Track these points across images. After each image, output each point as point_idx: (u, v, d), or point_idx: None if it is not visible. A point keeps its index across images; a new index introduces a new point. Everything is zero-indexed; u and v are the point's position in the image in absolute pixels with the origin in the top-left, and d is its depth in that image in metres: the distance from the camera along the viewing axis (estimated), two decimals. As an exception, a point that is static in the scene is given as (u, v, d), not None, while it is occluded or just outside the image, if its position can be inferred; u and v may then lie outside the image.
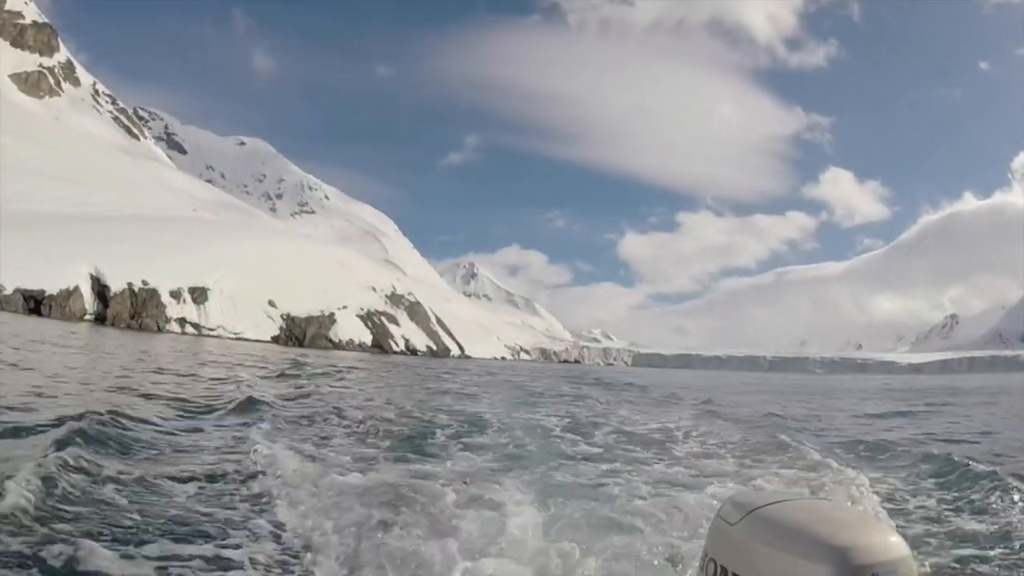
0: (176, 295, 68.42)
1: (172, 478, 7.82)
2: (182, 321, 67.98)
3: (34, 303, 55.94)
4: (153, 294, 65.74)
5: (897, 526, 7.36)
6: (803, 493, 8.57)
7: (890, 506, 8.85)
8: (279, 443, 10.27)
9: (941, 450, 12.92)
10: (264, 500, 7.20)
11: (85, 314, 59.73)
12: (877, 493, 9.44)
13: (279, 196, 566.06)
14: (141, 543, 5.64)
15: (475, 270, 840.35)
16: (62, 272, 59.40)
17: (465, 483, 8.51)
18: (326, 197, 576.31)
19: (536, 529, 6.55)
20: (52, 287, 57.57)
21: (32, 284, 56.23)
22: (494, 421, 15.83)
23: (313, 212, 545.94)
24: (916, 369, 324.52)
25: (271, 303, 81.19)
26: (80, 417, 9.91)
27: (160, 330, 63.97)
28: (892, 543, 1.97)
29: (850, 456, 13.20)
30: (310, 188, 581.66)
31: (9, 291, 54.16)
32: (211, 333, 68.91)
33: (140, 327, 61.84)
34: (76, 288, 59.70)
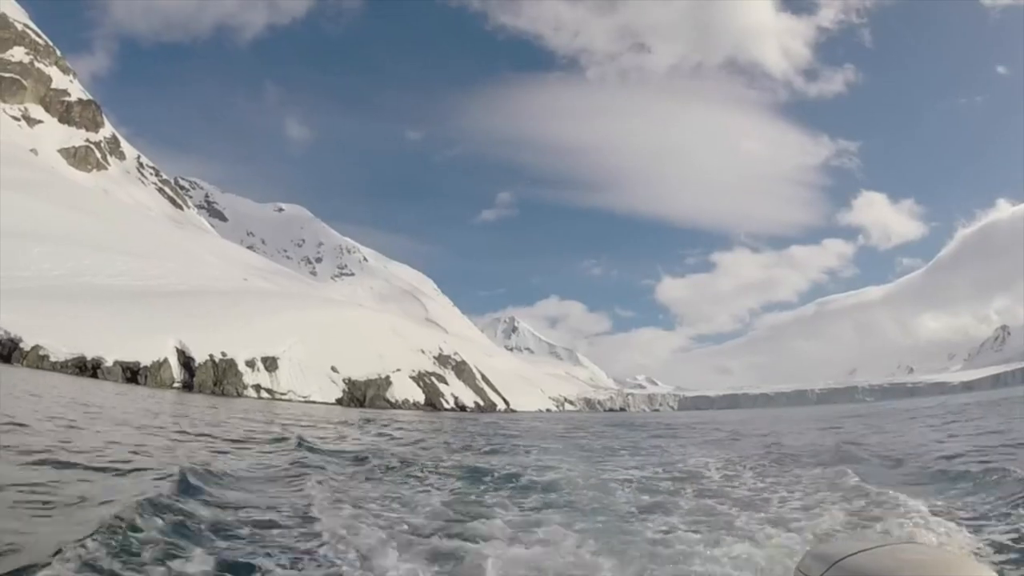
0: (251, 364, 74.68)
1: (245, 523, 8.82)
2: (257, 387, 74.08)
3: (131, 373, 62.00)
4: (231, 364, 72.09)
5: (993, 566, 7.17)
6: (886, 538, 7.98)
7: (979, 542, 8.41)
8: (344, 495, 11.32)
9: (1012, 472, 12.77)
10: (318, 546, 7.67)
11: (174, 382, 65.83)
12: (961, 528, 9.14)
13: (319, 260, 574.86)
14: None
15: (516, 324, 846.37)
16: (151, 345, 65.65)
17: (520, 536, 8.81)
18: (364, 259, 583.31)
19: None
20: (145, 359, 63.84)
21: (127, 356, 62.51)
22: (548, 471, 16.27)
23: (352, 274, 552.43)
24: (968, 387, 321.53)
25: (334, 368, 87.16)
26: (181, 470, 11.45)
27: (239, 395, 69.78)
28: None
29: (923, 488, 12.96)
30: (348, 251, 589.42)
31: (110, 363, 60.63)
32: (283, 397, 74.90)
33: (222, 393, 67.83)
34: (166, 360, 66.05)
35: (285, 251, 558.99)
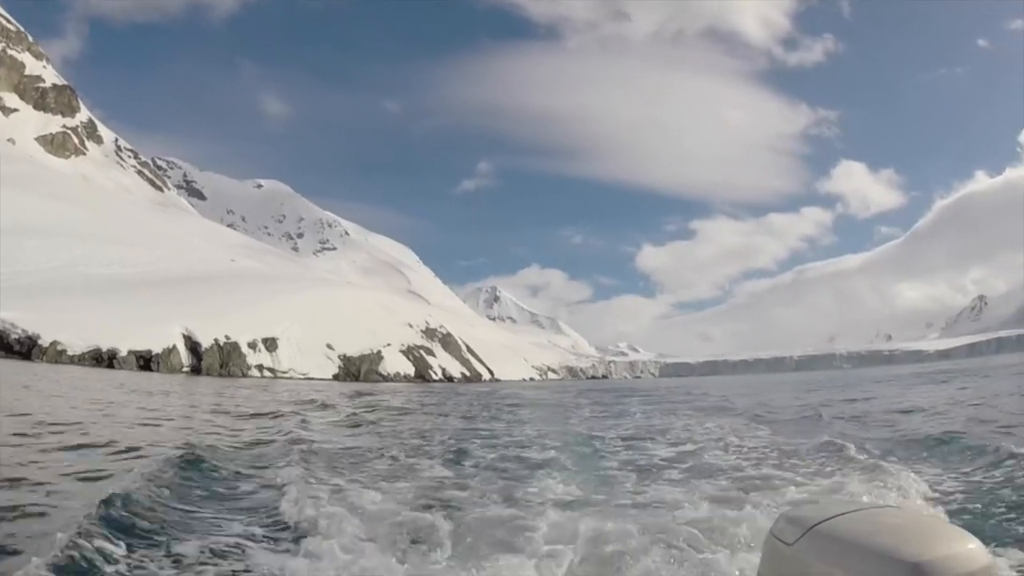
0: (253, 345, 78.95)
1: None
2: (260, 367, 78.37)
3: (144, 361, 66.18)
4: (235, 347, 76.37)
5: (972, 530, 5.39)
6: (863, 502, 7.69)
7: (957, 507, 8.46)
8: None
9: (991, 439, 13.10)
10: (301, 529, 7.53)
11: (183, 367, 69.96)
12: (940, 493, 9.23)
13: (300, 235, 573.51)
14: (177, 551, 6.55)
15: (497, 293, 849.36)
16: (159, 333, 69.72)
17: (503, 499, 8.98)
18: (345, 232, 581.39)
19: (576, 548, 6.55)
20: (156, 347, 68.01)
21: (139, 345, 66.66)
22: (535, 436, 16.71)
23: (335, 248, 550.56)
24: (944, 355, 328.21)
25: (329, 346, 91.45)
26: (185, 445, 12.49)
27: (244, 375, 74.09)
28: (971, 552, 1.78)
29: (903, 453, 13.15)
30: (329, 225, 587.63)
31: (124, 353, 64.84)
32: (284, 375, 79.17)
33: (228, 374, 72.14)
34: (175, 347, 70.25)
35: (266, 227, 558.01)
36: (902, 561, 1.73)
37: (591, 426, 21.59)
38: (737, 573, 5.78)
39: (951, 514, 8.01)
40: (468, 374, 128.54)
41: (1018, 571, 6.01)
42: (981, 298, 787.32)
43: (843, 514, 1.94)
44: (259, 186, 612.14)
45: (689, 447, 15.10)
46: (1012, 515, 7.94)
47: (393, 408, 32.01)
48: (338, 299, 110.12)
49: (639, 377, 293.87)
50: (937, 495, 9.10)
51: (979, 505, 8.54)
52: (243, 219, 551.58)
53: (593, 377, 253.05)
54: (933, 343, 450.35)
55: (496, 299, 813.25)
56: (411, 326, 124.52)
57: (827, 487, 9.92)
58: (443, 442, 16.25)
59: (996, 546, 6.60)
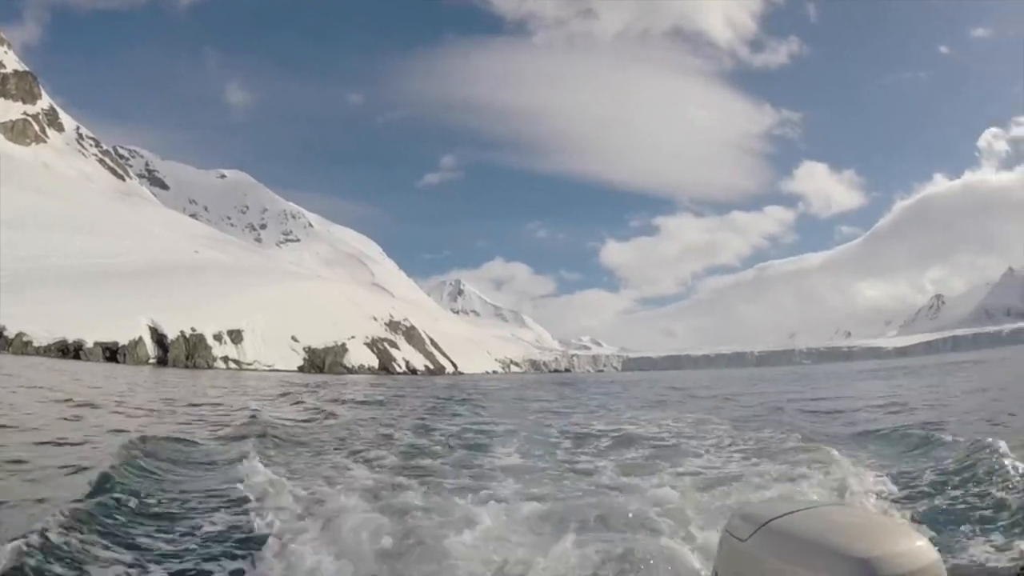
0: (218, 337, 79.61)
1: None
2: (226, 359, 79.00)
3: (110, 353, 66.76)
4: (201, 339, 76.99)
5: (922, 525, 7.33)
6: (816, 500, 8.31)
7: (907, 503, 8.64)
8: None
9: (938, 433, 13.49)
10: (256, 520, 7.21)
11: (149, 359, 70.52)
12: (894, 489, 9.37)
13: (263, 226, 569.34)
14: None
15: (461, 286, 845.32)
16: (126, 325, 70.28)
17: (464, 494, 8.71)
18: (309, 224, 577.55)
19: (537, 543, 6.49)
20: (123, 338, 68.60)
21: (105, 337, 67.20)
22: (495, 431, 16.57)
23: (298, 240, 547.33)
24: (901, 352, 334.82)
25: (294, 338, 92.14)
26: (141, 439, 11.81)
27: (209, 367, 74.56)
28: (919, 548, 1.83)
29: (859, 448, 13.32)
30: (293, 216, 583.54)
31: (90, 344, 65.31)
32: (249, 367, 79.82)
33: (194, 366, 72.69)
34: (141, 338, 70.78)
35: (229, 218, 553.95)
36: (851, 557, 1.76)
37: (549, 417, 21.68)
38: (698, 567, 5.82)
39: (903, 510, 8.27)
40: (432, 367, 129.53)
41: (966, 566, 6.11)
42: (939, 297, 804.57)
43: (795, 511, 2.01)
44: (222, 176, 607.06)
45: (650, 439, 15.10)
46: (963, 511, 8.06)
47: (356, 400, 32.28)
48: (303, 291, 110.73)
49: (602, 371, 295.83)
50: (890, 491, 9.27)
51: (932, 501, 8.69)
52: (206, 209, 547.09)
53: (556, 371, 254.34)
54: (892, 340, 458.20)
55: (460, 292, 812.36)
56: (375, 319, 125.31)
57: (784, 482, 9.99)
58: (404, 434, 16.09)
59: (945, 542, 6.76)
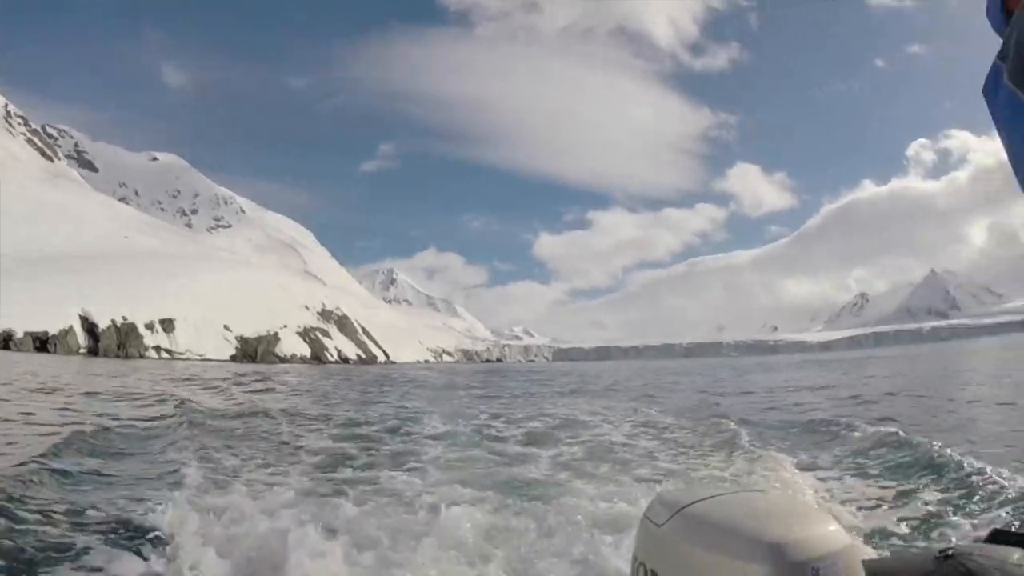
0: (150, 326, 79.66)
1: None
2: (158, 348, 79.09)
3: (40, 343, 66.36)
4: (132, 328, 76.99)
5: (839, 510, 7.52)
6: (734, 486, 4.90)
7: (826, 490, 8.75)
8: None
9: (859, 423, 13.56)
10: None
11: (80, 348, 70.34)
12: (813, 477, 9.52)
13: (194, 211, 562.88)
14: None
15: (394, 275, 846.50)
16: (57, 314, 70.07)
17: (391, 487, 8.47)
18: (241, 210, 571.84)
19: (463, 533, 6.33)
20: (53, 328, 68.48)
21: (36, 326, 67.05)
22: (424, 421, 16.23)
23: (230, 226, 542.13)
24: (825, 347, 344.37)
25: (226, 327, 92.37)
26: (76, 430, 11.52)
27: (141, 356, 74.50)
28: (832, 534, 1.84)
29: (781, 437, 13.53)
30: (225, 202, 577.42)
31: (20, 335, 65.13)
32: (181, 356, 79.92)
33: (126, 356, 72.50)
34: (71, 328, 70.63)
35: (159, 203, 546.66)
36: (763, 542, 1.78)
37: (480, 408, 21.21)
38: (620, 552, 5.78)
39: (821, 497, 8.35)
40: (364, 356, 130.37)
41: (880, 549, 6.18)
42: (863, 295, 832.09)
43: (712, 497, 2.04)
44: (154, 159, 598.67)
45: (577, 428, 15.14)
46: (880, 497, 8.27)
47: (287, 390, 32.09)
48: (235, 280, 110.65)
49: (533, 361, 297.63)
50: (809, 478, 9.39)
51: (850, 488, 8.84)
52: (136, 193, 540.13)
53: (488, 360, 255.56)
54: (816, 335, 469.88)
55: (393, 281, 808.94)
56: (308, 308, 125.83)
57: (705, 469, 10.19)
58: (337, 423, 15.90)
59: (863, 528, 6.97)
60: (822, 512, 1.72)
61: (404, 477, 8.96)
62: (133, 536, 6.06)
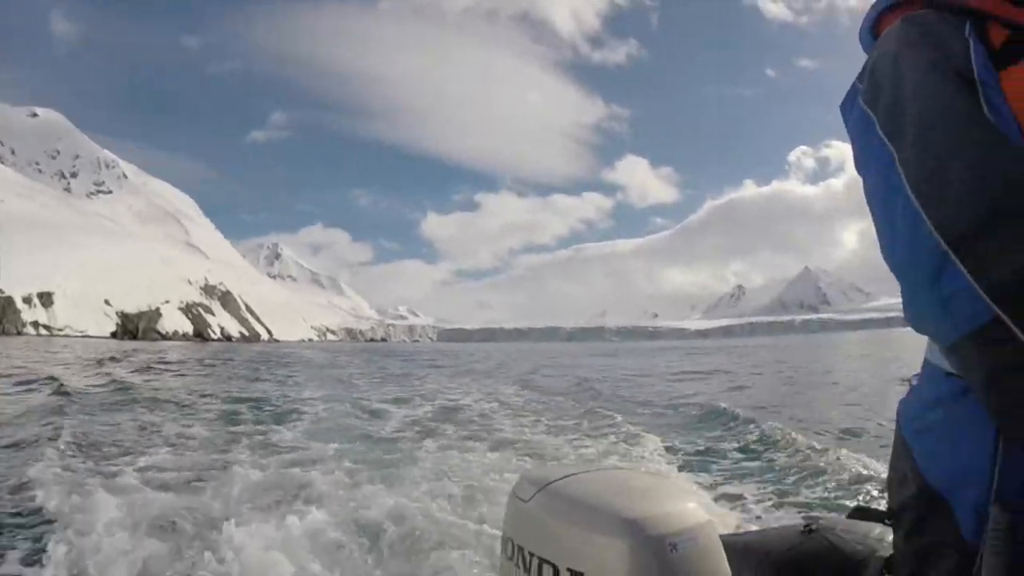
0: (28, 300, 77.64)
1: None
2: (36, 324, 77.16)
3: (-92, 318, 64.56)
4: (9, 302, 75.00)
5: (703, 489, 7.76)
6: (599, 463, 8.36)
7: (694, 470, 8.90)
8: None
9: (729, 407, 14.12)
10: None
11: (-49, 323, 68.36)
12: (682, 457, 9.70)
13: (74, 175, 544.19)
14: None
15: (279, 250, 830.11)
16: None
17: (258, 470, 8.21)
18: (124, 175, 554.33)
19: (332, 515, 6.22)
20: (-77, 301, 66.54)
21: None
22: (299, 402, 16.01)
23: (111, 192, 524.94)
24: (702, 335, 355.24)
25: (107, 302, 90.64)
26: None
27: (19, 333, 72.60)
28: (690, 510, 1.84)
29: (652, 420, 13.67)
30: (107, 165, 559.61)
31: None
32: (60, 333, 78.12)
33: (3, 332, 70.66)
34: (-59, 301, 68.56)
35: (37, 164, 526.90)
36: (622, 517, 1.72)
37: (363, 391, 21.03)
38: (492, 530, 5.71)
39: (687, 475, 8.57)
40: (247, 334, 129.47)
41: (746, 525, 6.32)
42: (740, 288, 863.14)
43: (576, 474, 2.08)
44: (34, 115, 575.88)
45: (457, 409, 15.23)
46: (744, 475, 8.62)
47: (167, 370, 30.98)
48: (117, 252, 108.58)
49: (417, 341, 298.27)
50: (675, 457, 9.64)
51: (716, 466, 9.14)
52: (12, 152, 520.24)
53: (372, 340, 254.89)
54: (695, 323, 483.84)
55: (278, 256, 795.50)
56: (190, 283, 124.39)
57: (576, 447, 10.31)
58: (211, 406, 15.64)
59: (728, 503, 7.23)
60: (682, 489, 1.76)
61: (276, 467, 8.58)
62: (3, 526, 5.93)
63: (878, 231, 1.10)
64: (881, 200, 1.08)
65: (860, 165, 1.17)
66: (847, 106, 1.25)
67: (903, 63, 1.06)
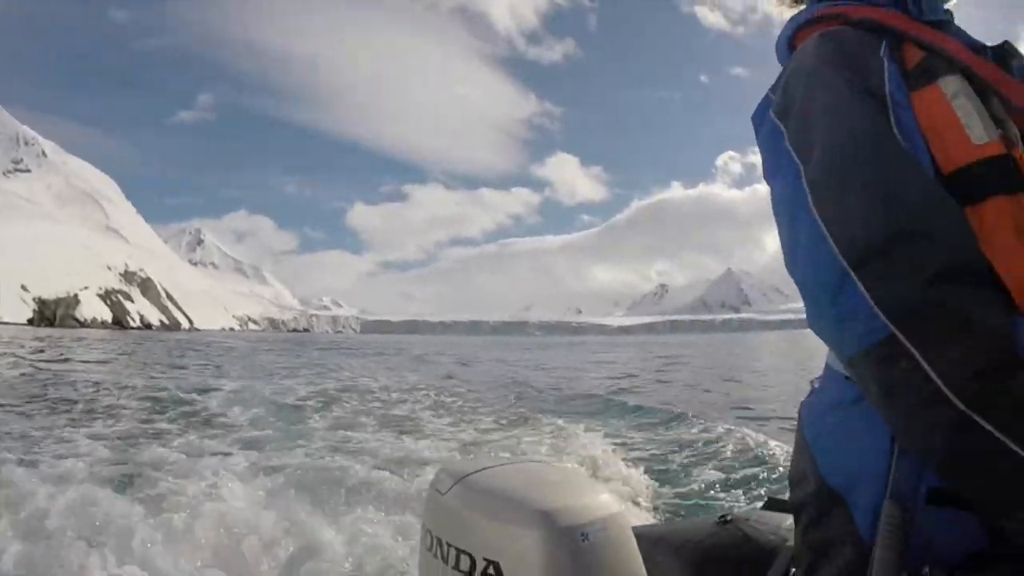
0: (-59, 284, 76.47)
1: None
2: (-50, 309, 76.01)
3: None
4: (-76, 285, 73.83)
5: (621, 481, 7.70)
6: (516, 457, 7.96)
7: (612, 463, 8.84)
8: None
9: (647, 402, 14.53)
10: None
11: None
12: (601, 450, 9.65)
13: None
14: None
15: (201, 236, 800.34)
16: None
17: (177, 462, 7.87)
18: (43, 153, 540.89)
19: (258, 511, 6.00)
20: None
21: None
22: (222, 394, 15.72)
23: (29, 171, 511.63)
24: (625, 331, 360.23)
25: (24, 287, 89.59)
26: None
27: (-66, 318, 71.27)
28: (602, 501, 1.86)
29: (574, 414, 13.77)
30: (26, 142, 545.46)
31: None
32: (-27, 319, 77.10)
33: (-86, 315, 69.62)
34: None
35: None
36: (536, 509, 1.72)
37: (285, 382, 20.35)
38: (412, 521, 5.71)
39: (605, 468, 8.39)
40: (167, 322, 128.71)
41: (667, 516, 6.52)
42: (663, 287, 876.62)
43: (493, 467, 2.09)
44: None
45: (379, 401, 15.07)
46: (664, 469, 8.72)
47: (83, 360, 29.41)
48: (35, 234, 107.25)
49: (341, 332, 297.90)
50: (597, 450, 9.45)
51: (636, 461, 8.99)
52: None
53: (295, 330, 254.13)
54: (618, 320, 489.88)
55: (200, 242, 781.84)
56: (110, 268, 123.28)
57: (498, 441, 10.29)
58: (130, 398, 14.79)
59: (643, 496, 7.28)
60: (594, 481, 2.29)
61: (196, 456, 8.29)
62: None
63: (782, 242, 1.11)
64: (786, 213, 1.12)
65: (768, 175, 1.21)
66: (759, 116, 1.32)
67: (815, 79, 1.11)
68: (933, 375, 0.88)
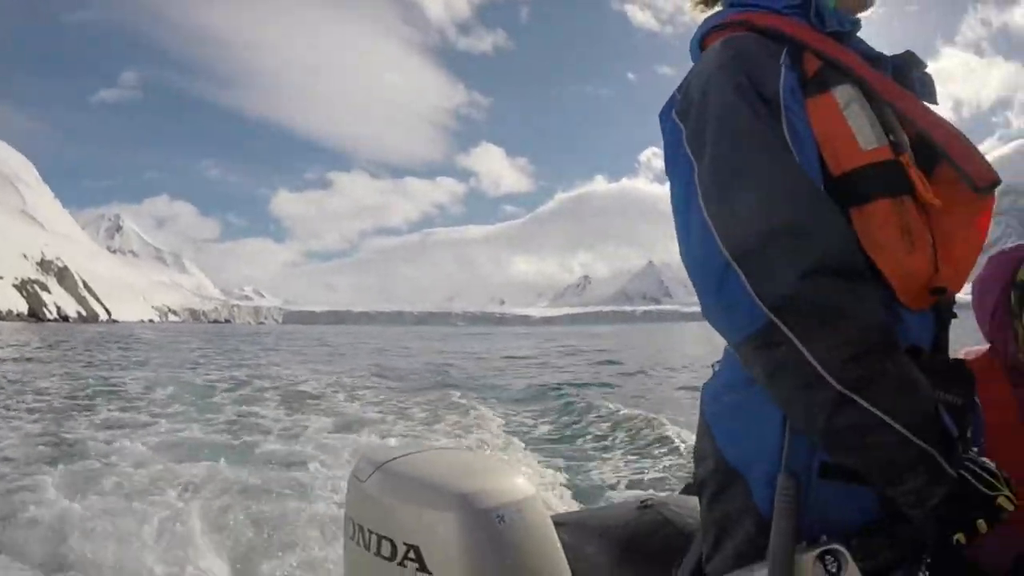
0: None
1: None
2: None
3: None
4: None
5: (539, 465, 7.99)
6: (435, 443, 8.69)
7: (532, 448, 9.22)
8: None
9: (569, 389, 15.11)
10: None
11: None
12: (520, 437, 10.08)
13: None
14: None
15: (121, 222, 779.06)
16: None
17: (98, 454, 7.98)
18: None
19: (178, 506, 5.96)
20: None
21: None
22: (135, 386, 15.77)
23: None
24: (548, 322, 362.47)
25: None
26: None
27: None
28: (517, 485, 1.93)
29: (495, 402, 14.26)
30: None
31: None
32: None
33: None
34: None
35: None
36: (453, 492, 1.93)
37: (206, 377, 19.99)
38: (335, 511, 5.72)
39: (524, 453, 8.82)
40: (84, 314, 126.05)
41: (568, 501, 6.59)
42: (586, 278, 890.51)
43: (412, 453, 2.14)
44: None
45: (305, 395, 15.02)
46: (583, 454, 9.05)
47: None
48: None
49: (263, 323, 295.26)
50: (516, 438, 9.95)
51: (555, 448, 9.46)
52: None
53: (216, 321, 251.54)
54: (541, 311, 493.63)
55: (119, 229, 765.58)
56: (26, 257, 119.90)
57: (418, 428, 10.61)
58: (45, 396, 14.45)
59: (567, 480, 7.47)
60: (510, 466, 2.34)
61: (117, 460, 7.99)
62: None
63: (677, 235, 1.22)
64: (681, 208, 1.24)
65: (668, 171, 1.31)
66: (664, 114, 1.39)
67: (712, 83, 1.22)
68: (812, 359, 0.98)
